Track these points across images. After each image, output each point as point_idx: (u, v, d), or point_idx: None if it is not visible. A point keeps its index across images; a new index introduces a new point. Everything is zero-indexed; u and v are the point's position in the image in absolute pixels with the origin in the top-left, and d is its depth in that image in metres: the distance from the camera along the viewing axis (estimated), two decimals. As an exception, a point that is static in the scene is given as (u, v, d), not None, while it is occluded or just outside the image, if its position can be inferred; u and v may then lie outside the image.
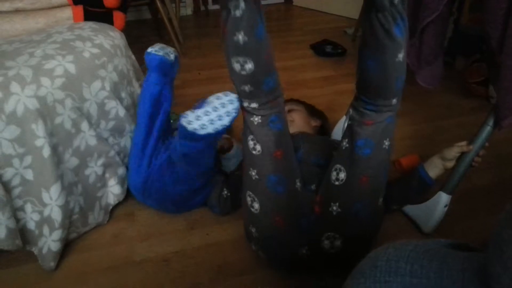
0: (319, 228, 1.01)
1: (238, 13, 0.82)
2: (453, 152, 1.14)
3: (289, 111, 1.43)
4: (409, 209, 1.24)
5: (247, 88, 0.93)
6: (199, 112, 1.01)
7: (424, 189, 1.16)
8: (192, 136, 1.02)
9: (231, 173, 1.33)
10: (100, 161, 1.22)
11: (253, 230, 1.04)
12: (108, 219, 1.29)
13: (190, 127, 1.00)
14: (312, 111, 1.52)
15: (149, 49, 1.19)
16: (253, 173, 1.00)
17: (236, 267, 1.13)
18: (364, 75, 0.94)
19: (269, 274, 1.10)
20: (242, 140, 1.03)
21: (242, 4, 0.82)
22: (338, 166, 1.02)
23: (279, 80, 0.98)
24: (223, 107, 1.01)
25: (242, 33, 0.84)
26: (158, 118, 1.22)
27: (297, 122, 1.39)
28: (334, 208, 1.00)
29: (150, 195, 1.22)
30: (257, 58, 0.88)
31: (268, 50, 0.91)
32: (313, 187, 1.07)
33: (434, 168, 1.15)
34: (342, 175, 1.01)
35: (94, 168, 1.20)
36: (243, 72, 0.90)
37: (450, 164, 1.15)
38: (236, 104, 1.01)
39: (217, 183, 1.26)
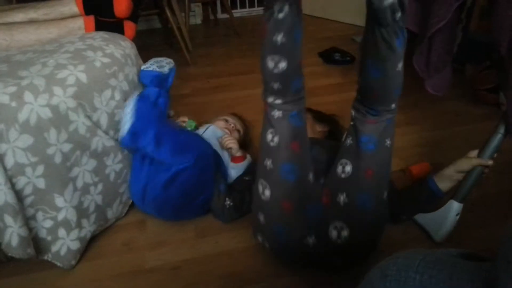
0: (327, 217, 1.04)
1: (281, 15, 0.87)
2: (471, 164, 1.13)
3: None
4: (420, 217, 1.23)
5: (276, 85, 0.98)
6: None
7: (433, 201, 1.16)
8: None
9: (238, 178, 1.35)
10: (117, 159, 1.25)
11: (261, 217, 1.06)
12: (119, 227, 1.30)
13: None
14: (319, 117, 1.54)
15: (142, 67, 1.35)
16: (268, 163, 1.03)
17: (245, 276, 1.13)
18: (366, 82, 0.99)
19: (279, 282, 1.10)
20: (261, 136, 1.06)
21: (286, 8, 0.87)
22: (343, 160, 1.07)
23: (304, 84, 1.03)
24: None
25: (282, 34, 0.89)
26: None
27: None
28: (342, 198, 1.04)
29: (149, 202, 1.25)
30: (291, 58, 0.94)
31: (301, 53, 0.97)
32: (321, 181, 1.10)
33: (446, 180, 1.13)
34: (348, 168, 1.05)
35: (112, 167, 1.24)
36: (276, 70, 0.94)
37: (462, 176, 1.14)
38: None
39: (218, 192, 1.27)
